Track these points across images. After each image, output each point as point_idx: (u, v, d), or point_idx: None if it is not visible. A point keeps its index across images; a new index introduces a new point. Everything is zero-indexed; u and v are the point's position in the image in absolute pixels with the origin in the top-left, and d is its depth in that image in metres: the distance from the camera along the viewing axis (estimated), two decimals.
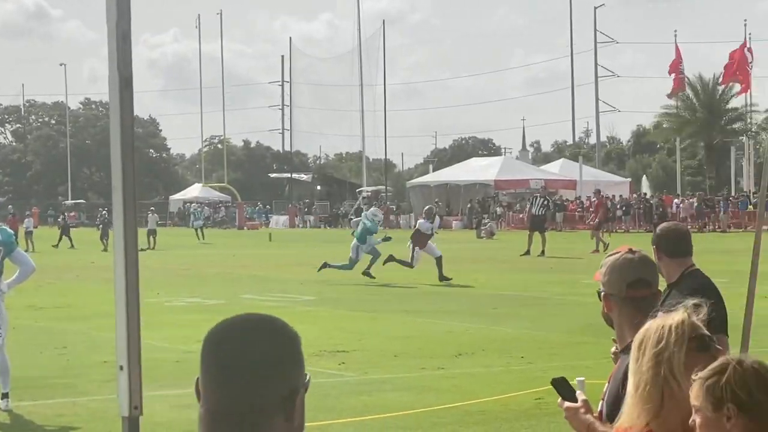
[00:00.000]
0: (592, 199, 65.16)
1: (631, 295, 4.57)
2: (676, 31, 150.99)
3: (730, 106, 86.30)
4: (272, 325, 2.48)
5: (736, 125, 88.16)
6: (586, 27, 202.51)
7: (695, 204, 68.87)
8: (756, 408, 3.13)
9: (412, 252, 31.21)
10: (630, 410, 3.52)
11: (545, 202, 46.82)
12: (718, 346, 3.53)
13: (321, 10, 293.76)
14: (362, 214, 34.75)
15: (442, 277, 29.55)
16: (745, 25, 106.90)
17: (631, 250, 4.88)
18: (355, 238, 31.27)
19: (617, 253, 4.91)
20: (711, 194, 76.41)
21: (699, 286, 6.38)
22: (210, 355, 2.46)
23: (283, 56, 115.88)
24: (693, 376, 3.26)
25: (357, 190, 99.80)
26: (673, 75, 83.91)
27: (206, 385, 2.47)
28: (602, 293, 4.98)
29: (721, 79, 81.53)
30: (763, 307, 19.43)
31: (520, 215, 72.31)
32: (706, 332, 3.55)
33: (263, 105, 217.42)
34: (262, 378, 2.41)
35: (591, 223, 54.66)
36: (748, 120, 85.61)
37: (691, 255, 6.77)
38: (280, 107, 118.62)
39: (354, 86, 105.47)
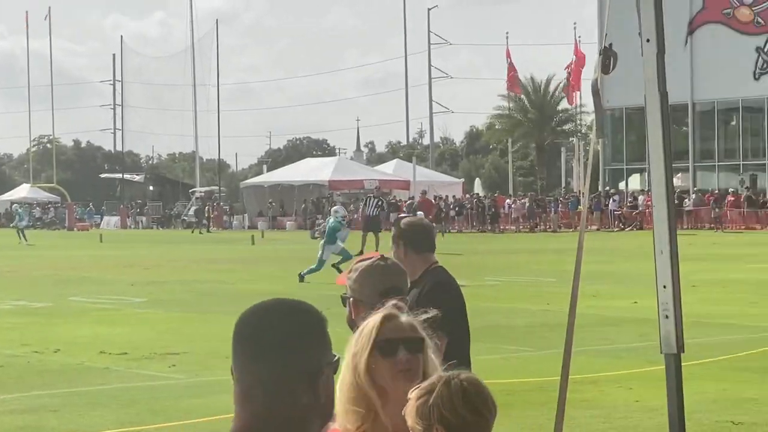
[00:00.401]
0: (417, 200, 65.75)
1: (384, 302, 4.43)
2: (507, 33, 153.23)
3: (561, 107, 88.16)
4: (298, 307, 2.66)
5: (567, 126, 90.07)
6: (420, 28, 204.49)
7: (527, 204, 70.02)
8: (464, 427, 3.08)
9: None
10: (340, 414, 3.32)
11: (379, 203, 47.03)
12: (416, 352, 3.44)
13: (153, 9, 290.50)
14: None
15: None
16: (575, 28, 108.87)
17: (383, 257, 4.82)
18: (322, 239, 31.01)
19: (368, 259, 4.84)
20: (542, 195, 77.82)
21: (436, 283, 6.18)
22: (240, 335, 2.63)
23: (114, 55, 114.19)
24: (410, 394, 3.17)
25: (190, 191, 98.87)
26: (508, 74, 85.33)
27: (237, 363, 2.63)
28: (350, 299, 4.87)
29: (561, 84, 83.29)
30: (588, 306, 19.83)
31: (355, 215, 72.49)
32: (409, 335, 3.47)
33: (95, 104, 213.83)
34: (287, 355, 2.57)
35: None
36: (578, 121, 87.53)
37: (434, 251, 6.47)
38: (112, 107, 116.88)
39: (187, 86, 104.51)
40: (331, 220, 31.38)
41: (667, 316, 4.76)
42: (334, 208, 33.51)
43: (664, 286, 4.77)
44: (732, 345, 16.22)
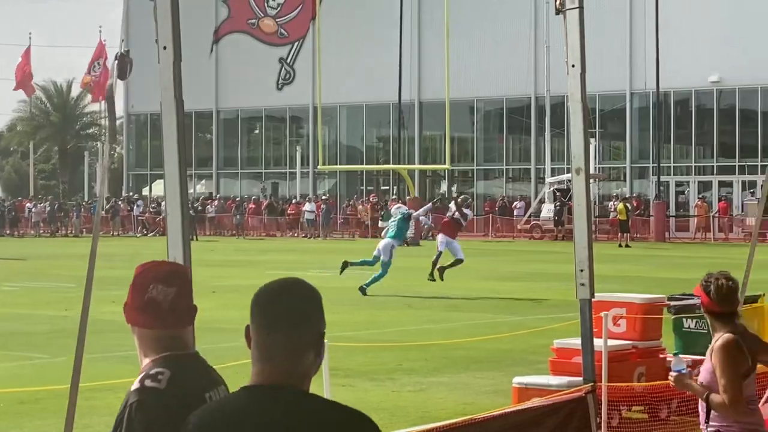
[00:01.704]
0: None
1: None
2: (30, 33, 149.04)
3: (86, 110, 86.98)
4: (304, 285, 3.36)
5: (91, 130, 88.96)
6: None
7: (48, 208, 68.44)
8: None
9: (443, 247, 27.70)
10: None
11: None
12: None
13: None
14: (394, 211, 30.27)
15: (442, 271, 27.25)
16: (100, 31, 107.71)
17: None
18: (388, 237, 27.84)
19: None
20: (65, 199, 76.37)
21: None
22: (259, 309, 3.34)
23: None
24: None
25: None
26: (21, 74, 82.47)
27: (257, 331, 3.32)
28: None
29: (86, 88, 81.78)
30: (109, 311, 19.59)
31: None
32: None
33: None
34: (301, 324, 3.31)
35: None
36: (102, 125, 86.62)
37: None
38: None
39: None
40: (401, 216, 28.64)
41: None
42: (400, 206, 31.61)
43: None
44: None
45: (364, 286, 26.24)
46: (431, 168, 67.85)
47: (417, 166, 66.46)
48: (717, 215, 56.47)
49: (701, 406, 6.55)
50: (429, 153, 70.25)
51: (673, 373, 6.62)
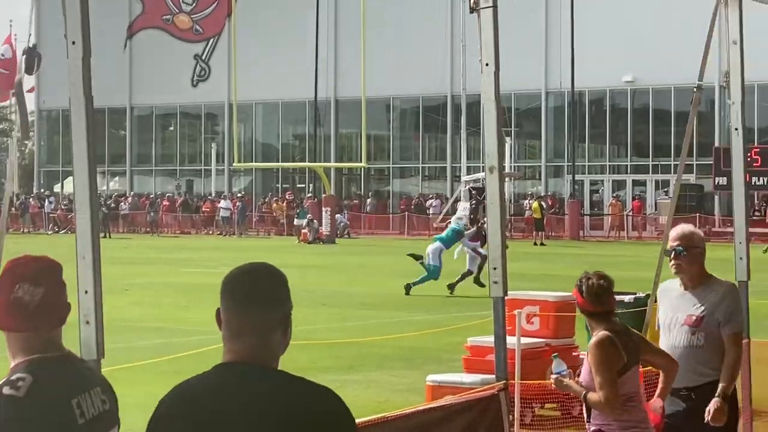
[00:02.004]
0: None
1: None
2: None
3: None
4: (271, 267, 3.56)
5: (0, 126, 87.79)
6: None
7: None
8: None
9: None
10: None
11: None
12: None
13: None
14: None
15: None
16: (11, 26, 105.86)
17: None
18: (437, 241, 26.96)
19: None
20: None
21: None
22: (229, 291, 3.50)
23: None
24: None
25: None
26: None
27: (227, 312, 3.49)
28: None
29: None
30: None
31: None
32: None
33: None
34: (268, 305, 3.50)
35: None
36: (11, 121, 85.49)
37: None
38: None
39: None
40: (456, 226, 27.84)
41: (88, 322, 4.70)
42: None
43: (86, 292, 4.72)
44: (162, 348, 16.41)
45: (411, 285, 25.60)
46: (347, 166, 67.84)
47: (333, 164, 66.40)
48: (631, 214, 57.13)
49: (584, 406, 6.62)
50: (345, 151, 70.24)
51: (553, 375, 6.70)
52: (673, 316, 7.22)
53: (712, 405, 6.95)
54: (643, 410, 6.63)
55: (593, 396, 6.44)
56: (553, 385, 6.80)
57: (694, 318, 7.13)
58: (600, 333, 6.54)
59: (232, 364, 3.48)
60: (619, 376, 6.46)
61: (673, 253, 7.18)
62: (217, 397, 3.44)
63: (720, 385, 6.98)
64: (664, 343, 7.18)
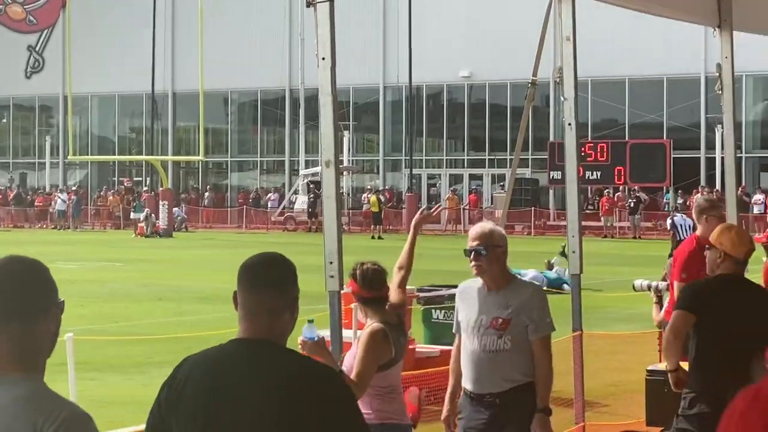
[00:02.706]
0: None
1: None
2: None
3: None
4: (281, 257, 4.10)
5: None
6: None
7: None
8: None
9: None
10: None
11: None
12: None
13: None
14: None
15: None
16: None
17: None
18: None
19: None
20: None
21: None
22: (245, 277, 4.02)
23: None
24: None
25: None
26: None
27: (242, 294, 4.01)
28: None
29: None
30: None
31: None
32: None
33: None
34: (279, 289, 4.01)
35: None
36: None
37: None
38: None
39: None
40: None
41: None
42: None
43: None
44: None
45: None
46: (185, 159, 67.26)
47: (170, 157, 65.72)
48: (467, 207, 57.85)
49: None
50: (183, 144, 69.61)
51: (302, 338, 6.32)
52: (477, 318, 6.85)
53: (538, 425, 6.74)
54: (402, 401, 6.66)
55: (350, 378, 6.31)
56: (302, 350, 6.29)
57: (500, 321, 6.78)
58: (375, 324, 6.46)
59: (246, 340, 4.02)
60: (384, 369, 6.41)
61: (473, 253, 6.80)
62: (229, 366, 3.95)
63: (539, 404, 6.75)
64: (467, 347, 6.87)
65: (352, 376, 6.31)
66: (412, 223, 7.26)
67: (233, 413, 3.87)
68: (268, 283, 4.00)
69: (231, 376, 3.90)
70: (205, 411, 3.89)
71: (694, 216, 9.75)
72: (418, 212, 7.34)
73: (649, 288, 10.24)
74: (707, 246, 7.44)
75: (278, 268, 4.06)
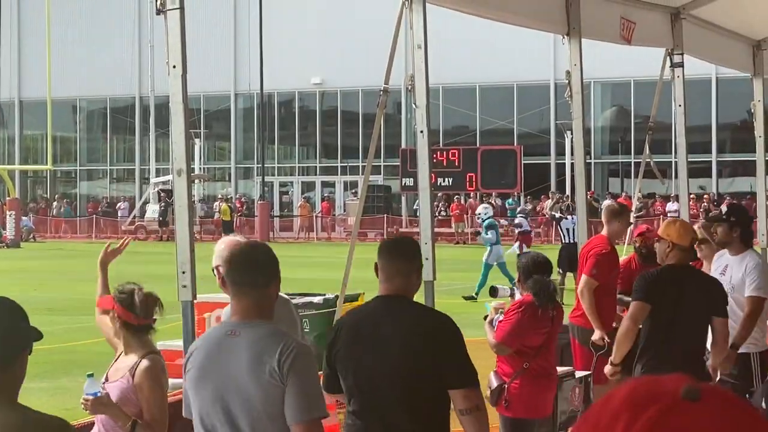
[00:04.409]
0: None
1: None
2: None
3: None
4: (408, 237, 6.25)
5: None
6: None
7: None
8: None
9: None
10: None
11: None
12: None
13: None
14: None
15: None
16: None
17: None
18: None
19: None
20: None
21: None
22: (385, 250, 5.72)
23: None
24: None
25: None
26: None
27: (383, 262, 5.67)
28: None
29: None
30: None
31: None
32: None
33: None
34: (410, 257, 5.69)
35: None
36: None
37: None
38: None
39: None
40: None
41: None
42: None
43: None
44: None
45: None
46: (33, 168, 65.94)
47: (17, 167, 64.38)
48: (320, 215, 57.87)
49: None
50: (30, 152, 68.24)
51: (88, 398, 5.92)
52: None
53: None
54: None
55: (143, 422, 5.96)
56: (84, 410, 6.01)
57: None
58: (153, 357, 6.14)
59: (385, 296, 5.67)
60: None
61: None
62: (374, 315, 5.67)
63: None
64: None
65: (148, 421, 5.95)
66: (99, 261, 6.98)
67: (375, 347, 5.55)
68: (402, 254, 5.70)
69: (374, 322, 5.62)
70: (355, 348, 5.60)
71: (604, 218, 10.70)
72: (103, 249, 7.02)
73: (512, 295, 10.18)
74: (656, 239, 8.38)
75: (407, 244, 5.90)
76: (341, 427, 5.98)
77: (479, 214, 28.72)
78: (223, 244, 6.47)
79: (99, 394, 5.90)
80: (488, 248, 26.45)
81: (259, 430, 4.84)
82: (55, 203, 63.41)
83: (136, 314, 6.12)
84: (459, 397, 5.48)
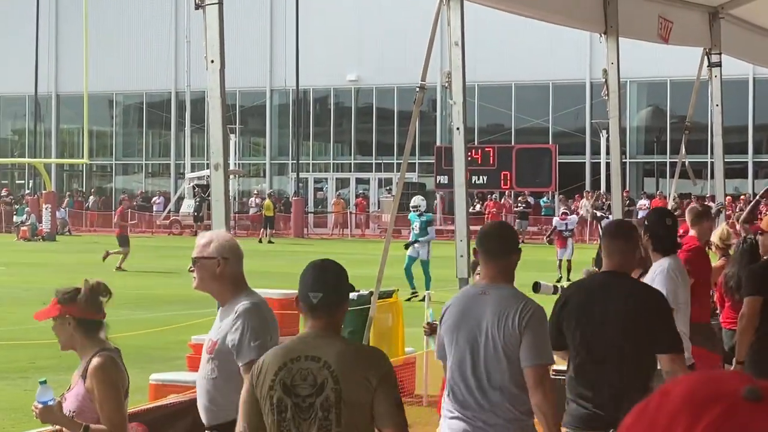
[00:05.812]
0: None
1: None
2: None
3: None
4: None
5: None
6: None
7: None
8: None
9: None
10: None
11: None
12: None
13: None
14: None
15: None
16: None
17: None
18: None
19: None
20: None
21: None
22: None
23: None
24: None
25: None
26: None
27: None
28: None
29: None
30: None
31: None
32: None
33: None
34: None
35: None
36: None
37: None
38: None
39: None
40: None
41: None
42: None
43: None
44: None
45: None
46: (69, 162, 66.28)
47: (54, 160, 64.75)
48: (354, 212, 57.90)
49: None
50: (67, 147, 68.60)
51: (38, 405, 5.58)
52: (207, 338, 6.22)
53: None
54: None
55: (98, 427, 5.62)
56: (38, 418, 5.66)
57: (210, 343, 6.10)
58: (103, 354, 5.73)
59: (607, 271, 6.65)
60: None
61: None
62: (597, 287, 6.67)
63: None
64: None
65: (106, 424, 5.64)
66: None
67: (598, 315, 6.46)
68: (622, 235, 6.70)
69: (599, 292, 6.58)
70: (580, 315, 6.52)
71: (688, 220, 10.43)
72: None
73: (555, 290, 10.11)
74: (760, 232, 9.15)
75: (627, 227, 7.13)
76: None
77: (417, 206, 26.52)
78: (220, 237, 6.71)
79: (51, 403, 5.55)
80: (426, 246, 25.66)
81: (499, 368, 5.99)
82: (90, 197, 63.70)
83: (86, 308, 5.81)
84: (666, 360, 6.50)
